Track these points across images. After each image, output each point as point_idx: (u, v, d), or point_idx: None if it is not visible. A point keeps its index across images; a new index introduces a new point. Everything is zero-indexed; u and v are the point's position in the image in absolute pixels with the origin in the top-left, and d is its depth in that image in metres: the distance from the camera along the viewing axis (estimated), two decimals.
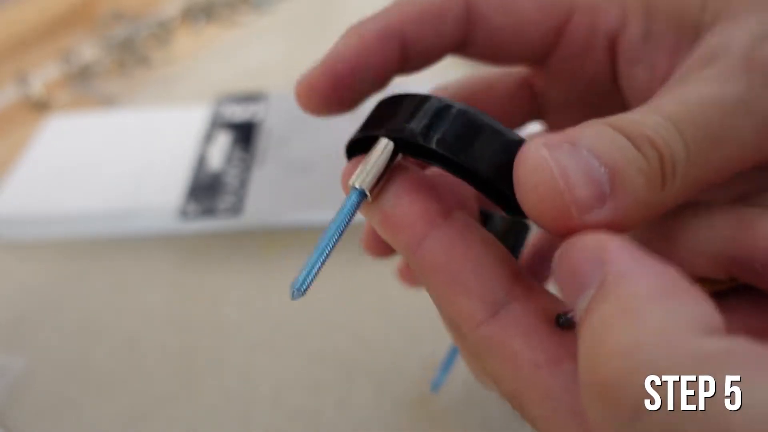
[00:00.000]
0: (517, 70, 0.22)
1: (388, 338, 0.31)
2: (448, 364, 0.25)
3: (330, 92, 0.18)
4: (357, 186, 0.15)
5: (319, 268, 0.15)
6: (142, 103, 0.50)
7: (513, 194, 0.14)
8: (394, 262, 0.34)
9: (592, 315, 0.12)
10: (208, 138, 0.40)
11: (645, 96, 0.16)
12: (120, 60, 0.55)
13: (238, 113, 0.42)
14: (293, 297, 0.15)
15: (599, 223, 0.13)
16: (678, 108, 0.14)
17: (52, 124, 0.44)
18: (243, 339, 0.31)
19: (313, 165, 0.37)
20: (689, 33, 0.17)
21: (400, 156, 0.16)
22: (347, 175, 0.18)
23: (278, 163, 0.38)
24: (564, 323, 0.14)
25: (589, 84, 0.20)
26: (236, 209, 0.35)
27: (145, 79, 0.53)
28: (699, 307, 0.11)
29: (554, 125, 0.22)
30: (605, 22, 0.19)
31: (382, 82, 0.19)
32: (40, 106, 0.50)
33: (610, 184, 0.13)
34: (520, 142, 0.14)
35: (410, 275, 0.24)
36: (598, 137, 0.13)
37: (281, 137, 0.40)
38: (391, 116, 0.15)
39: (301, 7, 0.62)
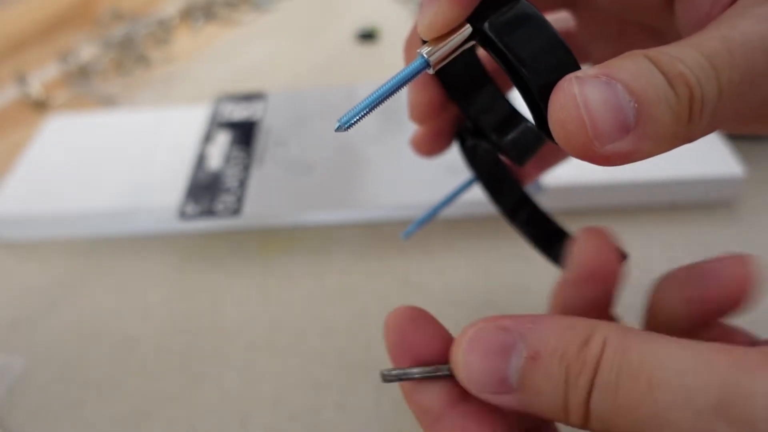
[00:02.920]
0: (557, 21, 0.23)
1: None
2: (422, 220, 0.26)
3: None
4: (424, 55, 0.16)
5: (366, 113, 0.16)
6: (141, 102, 0.50)
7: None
8: (392, 264, 0.34)
9: None
10: (208, 138, 0.40)
11: (697, 27, 0.16)
12: (119, 60, 0.55)
13: (238, 113, 0.42)
14: (336, 129, 0.16)
15: (619, 152, 0.14)
16: (719, 46, 0.14)
17: (51, 124, 0.44)
18: (243, 339, 0.31)
19: (312, 165, 0.37)
20: None
21: (473, 43, 0.16)
22: (409, 42, 0.21)
23: (277, 162, 0.38)
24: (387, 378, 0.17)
25: (644, 10, 0.20)
26: (235, 209, 0.35)
27: (145, 79, 0.53)
28: None
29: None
30: None
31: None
32: (39, 106, 0.50)
33: (635, 116, 0.14)
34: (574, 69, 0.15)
35: (423, 144, 0.24)
36: (634, 71, 0.14)
37: (280, 137, 0.40)
38: (486, 8, 0.16)
39: (301, 7, 0.62)
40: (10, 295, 0.35)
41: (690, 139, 0.15)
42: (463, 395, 0.17)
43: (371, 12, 0.59)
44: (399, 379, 0.17)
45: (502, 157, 0.26)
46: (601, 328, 0.14)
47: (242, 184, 0.36)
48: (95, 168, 0.39)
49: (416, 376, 0.17)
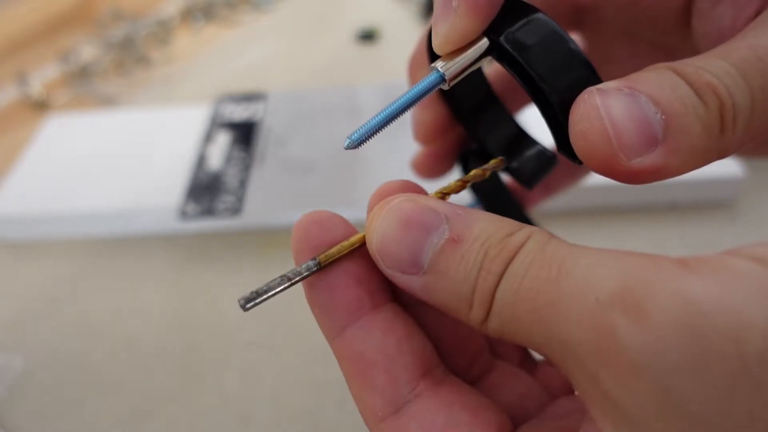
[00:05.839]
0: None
1: None
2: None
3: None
4: (440, 69, 0.16)
5: (377, 131, 0.15)
6: (141, 103, 0.50)
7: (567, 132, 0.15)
8: None
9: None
10: (208, 138, 0.40)
11: (718, 41, 0.16)
12: (119, 60, 0.55)
13: (238, 113, 0.42)
14: (346, 147, 0.15)
15: (647, 167, 0.13)
16: (748, 55, 0.14)
17: (51, 124, 0.44)
18: (243, 339, 0.31)
19: (312, 164, 0.37)
20: None
21: (488, 58, 0.16)
22: (415, 60, 0.20)
23: (278, 162, 0.38)
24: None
25: (657, 26, 0.19)
26: (236, 209, 0.35)
27: (145, 79, 0.53)
28: None
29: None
30: None
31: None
32: (39, 106, 0.50)
33: (663, 129, 0.13)
34: (595, 83, 0.15)
35: (425, 166, 0.23)
36: (658, 83, 0.14)
37: (280, 137, 0.40)
38: (502, 21, 0.16)
39: (301, 7, 0.62)
40: (10, 295, 0.35)
41: (724, 154, 0.14)
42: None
43: (371, 12, 0.59)
44: (258, 298, 0.15)
45: (507, 181, 0.25)
46: (532, 228, 0.14)
47: (242, 184, 0.36)
48: (96, 168, 0.39)
49: (278, 287, 0.15)
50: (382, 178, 0.36)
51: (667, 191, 0.35)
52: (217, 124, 0.41)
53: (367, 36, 0.55)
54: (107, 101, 0.50)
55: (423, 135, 0.22)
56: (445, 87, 0.16)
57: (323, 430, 0.27)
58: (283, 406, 0.28)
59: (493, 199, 0.25)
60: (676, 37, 0.19)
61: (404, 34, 0.56)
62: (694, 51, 0.16)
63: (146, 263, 0.36)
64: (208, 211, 0.35)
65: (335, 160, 0.38)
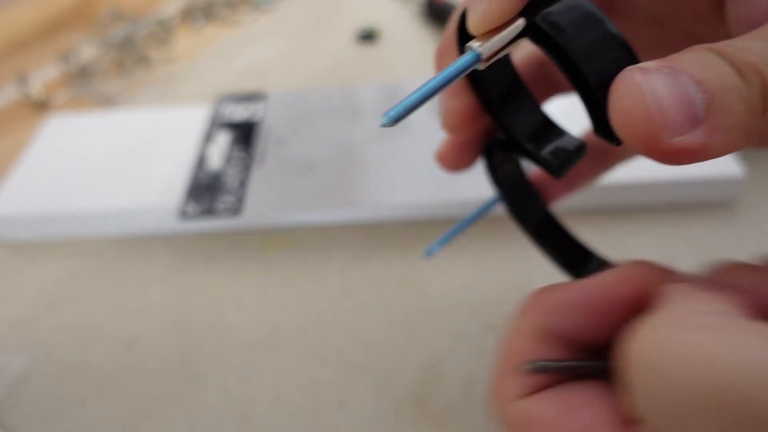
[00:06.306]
0: None
1: (388, 338, 0.31)
2: (447, 238, 0.25)
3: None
4: (476, 48, 0.15)
5: (415, 108, 0.15)
6: (141, 102, 0.50)
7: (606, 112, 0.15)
8: (392, 264, 0.34)
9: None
10: (208, 138, 0.40)
11: (753, 26, 0.16)
12: (119, 60, 0.55)
13: (238, 113, 0.42)
14: (383, 123, 0.15)
15: (689, 146, 0.13)
16: None
17: (51, 124, 0.44)
18: (243, 339, 0.31)
19: (312, 164, 0.37)
20: None
21: (524, 39, 0.16)
22: (444, 48, 0.20)
23: (278, 162, 0.38)
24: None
25: (689, 13, 0.19)
26: (236, 209, 0.35)
27: (145, 79, 0.53)
28: None
29: None
30: None
31: None
32: (39, 106, 0.50)
33: (705, 109, 0.13)
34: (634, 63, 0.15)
35: (450, 158, 0.23)
36: (699, 62, 0.13)
37: (280, 137, 0.40)
38: (539, 2, 0.16)
39: (301, 7, 0.62)
40: (10, 295, 0.35)
41: (766, 136, 0.14)
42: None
43: (371, 12, 0.59)
44: (547, 369, 0.16)
45: (529, 171, 0.25)
46: None
47: (243, 184, 0.36)
48: (96, 168, 0.39)
49: (567, 365, 0.16)
50: (381, 178, 0.36)
51: (667, 191, 0.35)
52: (217, 124, 0.41)
53: (368, 36, 0.55)
54: (107, 101, 0.50)
55: (452, 123, 0.22)
56: (481, 67, 0.16)
57: (323, 431, 0.27)
58: (283, 407, 0.28)
59: (515, 192, 0.25)
60: (707, 24, 0.19)
61: (405, 34, 0.56)
62: (726, 39, 0.17)
63: (146, 263, 0.36)
64: (208, 211, 0.35)
65: (335, 160, 0.38)
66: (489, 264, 0.34)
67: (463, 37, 0.18)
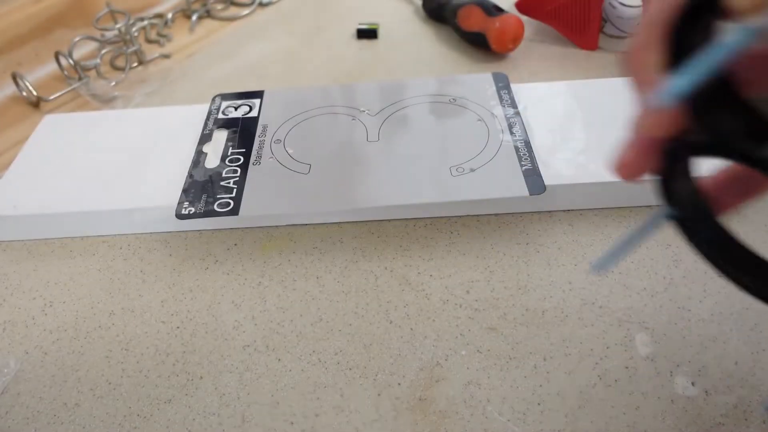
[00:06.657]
0: None
1: (388, 338, 0.30)
2: (620, 250, 0.22)
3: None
4: (748, 26, 0.13)
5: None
6: (138, 101, 0.50)
7: None
8: (392, 263, 0.34)
9: None
10: (205, 136, 0.40)
11: None
12: (116, 57, 0.54)
13: (235, 111, 0.42)
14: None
15: None
16: None
17: (48, 123, 0.43)
18: (241, 339, 0.31)
19: (310, 164, 0.37)
20: None
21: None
22: (637, 58, 0.18)
23: (275, 161, 0.37)
24: None
25: None
26: (233, 208, 0.35)
27: (142, 77, 0.52)
28: None
29: None
30: None
31: None
32: (35, 104, 0.50)
33: None
34: None
35: (633, 164, 0.21)
36: None
37: (278, 135, 0.39)
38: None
39: (300, 4, 0.62)
40: (5, 295, 0.34)
41: None
42: None
43: (371, 9, 0.59)
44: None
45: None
46: None
47: (240, 183, 0.36)
48: (92, 167, 0.39)
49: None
50: (381, 178, 0.36)
51: None
52: (214, 122, 0.41)
53: (367, 33, 0.55)
54: (104, 99, 0.50)
55: (660, 121, 0.19)
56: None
57: None
58: (281, 408, 0.28)
59: (685, 204, 0.21)
60: None
61: (404, 31, 0.55)
62: None
63: (143, 263, 0.36)
64: (206, 211, 0.34)
65: (333, 159, 0.37)
66: (488, 264, 0.33)
67: (682, 38, 0.15)
